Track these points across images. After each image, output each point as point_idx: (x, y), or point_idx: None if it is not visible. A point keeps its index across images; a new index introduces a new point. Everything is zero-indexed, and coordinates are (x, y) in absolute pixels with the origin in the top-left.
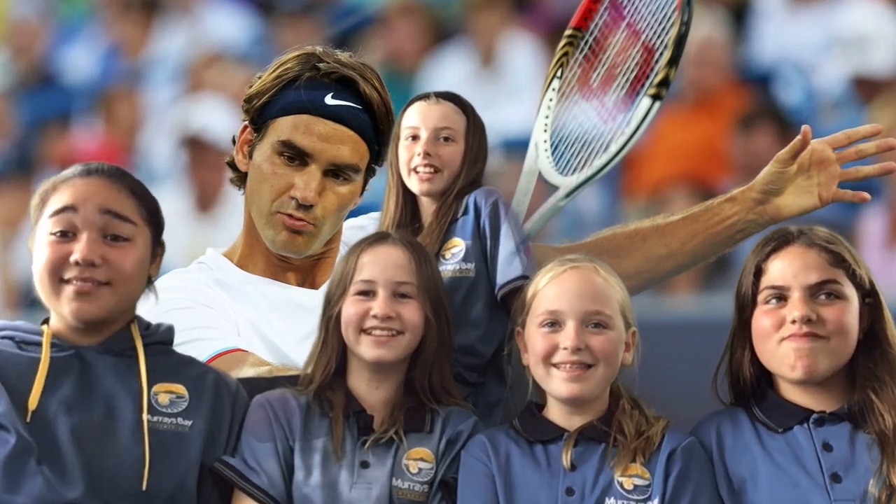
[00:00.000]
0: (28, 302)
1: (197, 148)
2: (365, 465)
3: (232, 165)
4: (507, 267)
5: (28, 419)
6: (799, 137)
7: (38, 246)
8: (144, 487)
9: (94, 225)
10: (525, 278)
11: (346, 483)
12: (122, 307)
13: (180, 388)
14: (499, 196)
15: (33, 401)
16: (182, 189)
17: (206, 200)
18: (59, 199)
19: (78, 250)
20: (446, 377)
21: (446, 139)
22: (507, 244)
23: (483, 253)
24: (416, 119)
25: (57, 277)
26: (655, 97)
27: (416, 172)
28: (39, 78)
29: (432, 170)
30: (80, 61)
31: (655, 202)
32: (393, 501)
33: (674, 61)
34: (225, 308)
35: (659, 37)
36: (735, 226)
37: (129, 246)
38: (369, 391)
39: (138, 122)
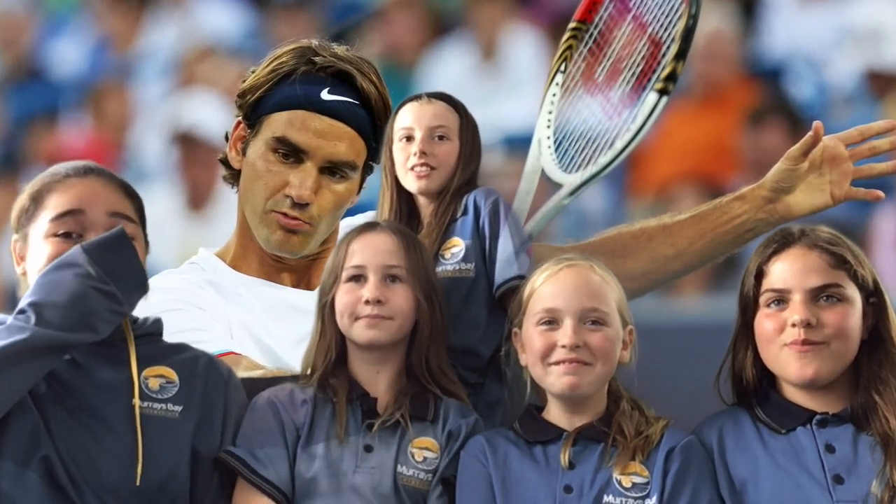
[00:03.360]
0: (15, 303)
1: (189, 144)
2: (368, 448)
3: (225, 162)
4: (505, 266)
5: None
6: (810, 134)
7: (37, 249)
8: (138, 477)
9: (101, 226)
10: (523, 278)
11: (349, 467)
12: None
13: (170, 372)
14: (499, 195)
15: None
16: (173, 187)
17: (198, 199)
18: (60, 201)
19: None
20: (443, 359)
21: (441, 137)
22: (506, 243)
23: (482, 252)
24: (409, 119)
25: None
26: (662, 92)
27: (413, 171)
28: (26, 72)
29: (429, 168)
30: (67, 55)
31: (662, 201)
32: (397, 488)
33: (681, 55)
34: (217, 310)
35: (666, 30)
36: (744, 225)
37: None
38: (371, 376)
39: (128, 118)
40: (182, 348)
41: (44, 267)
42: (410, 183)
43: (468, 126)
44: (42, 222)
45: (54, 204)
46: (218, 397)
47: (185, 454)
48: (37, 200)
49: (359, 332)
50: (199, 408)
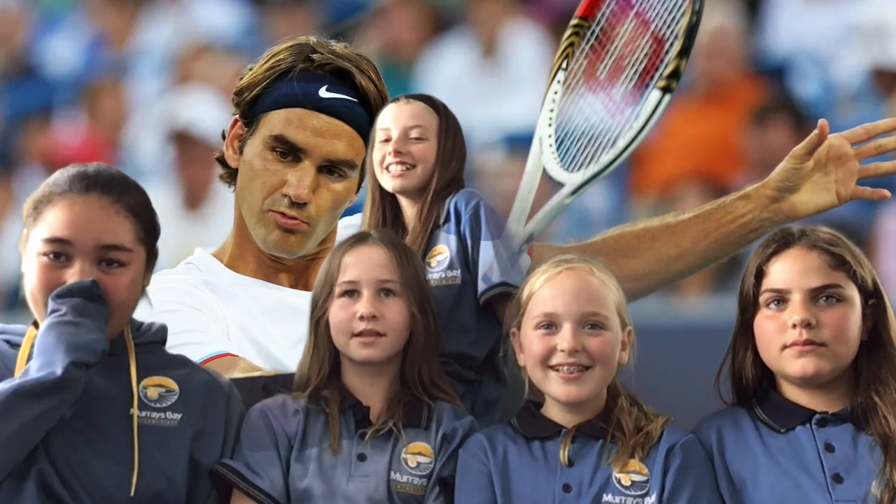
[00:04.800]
0: (10, 303)
1: (185, 143)
2: (362, 457)
3: (221, 161)
4: (488, 273)
5: None
6: (816, 132)
7: (30, 261)
8: (133, 488)
9: (89, 257)
10: (506, 285)
11: (343, 476)
12: (116, 329)
13: (170, 383)
14: (480, 199)
15: None
16: (169, 186)
17: (194, 198)
18: (54, 221)
19: (71, 278)
20: (435, 371)
21: (417, 138)
22: (487, 249)
23: (466, 258)
24: (387, 120)
25: (47, 302)
26: (665, 90)
27: (388, 170)
28: (20, 70)
29: (405, 166)
30: (62, 52)
31: (665, 200)
32: (391, 495)
33: (685, 52)
34: (214, 311)
35: (669, 26)
36: (749, 224)
37: (123, 271)
38: (365, 387)
39: (123, 116)
40: (183, 361)
41: (35, 283)
42: (387, 182)
43: (448, 126)
44: (36, 237)
45: (48, 222)
46: (219, 411)
47: (182, 463)
48: (37, 209)
49: (354, 350)
50: (199, 419)
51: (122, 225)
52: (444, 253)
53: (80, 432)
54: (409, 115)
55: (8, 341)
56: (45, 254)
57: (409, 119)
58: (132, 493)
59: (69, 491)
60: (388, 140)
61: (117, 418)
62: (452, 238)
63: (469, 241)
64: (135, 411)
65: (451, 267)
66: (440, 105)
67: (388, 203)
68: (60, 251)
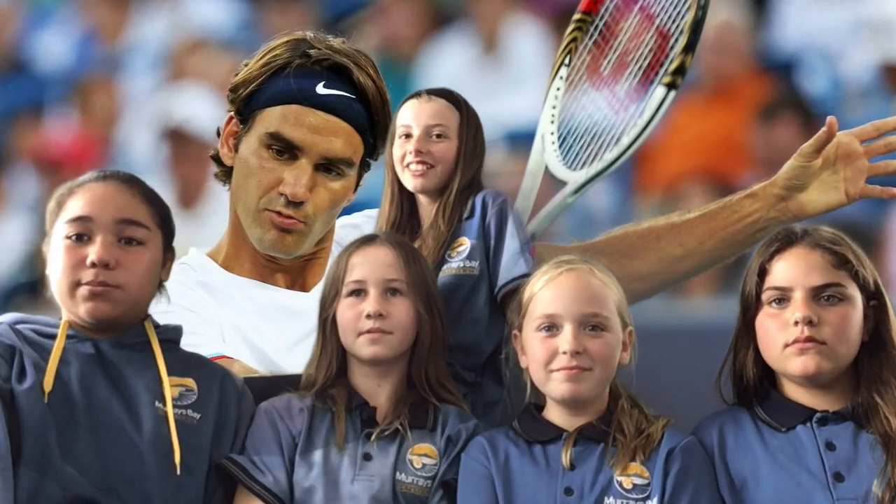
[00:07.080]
0: (6, 304)
1: (179, 140)
2: (367, 457)
3: (216, 159)
4: (508, 268)
5: (45, 400)
6: (824, 129)
7: (55, 250)
8: (178, 467)
9: (109, 232)
10: (524, 277)
11: (347, 476)
12: (134, 308)
13: (190, 382)
14: (506, 197)
15: (48, 383)
16: (163, 184)
17: (188, 197)
18: (75, 205)
19: (93, 252)
20: (441, 371)
21: (438, 136)
22: (511, 244)
23: (486, 251)
24: (408, 117)
25: (73, 281)
26: (670, 86)
27: (409, 169)
28: (10, 65)
29: (425, 166)
30: (53, 48)
31: (670, 199)
32: (396, 495)
33: (690, 47)
34: (209, 312)
35: (674, 21)
36: (756, 224)
37: (143, 250)
38: (372, 387)
39: (116, 113)
40: (199, 359)
41: (60, 271)
42: (408, 181)
43: (469, 124)
44: (60, 224)
45: (70, 208)
46: (232, 409)
47: (204, 458)
48: (60, 204)
49: (362, 348)
50: (216, 417)
51: (139, 205)
52: (465, 244)
53: (105, 425)
54: (430, 113)
55: (35, 331)
56: (68, 236)
57: (431, 117)
58: (178, 472)
59: (93, 485)
60: (408, 136)
61: (142, 413)
62: (475, 231)
63: (493, 236)
64: (168, 401)
65: (470, 257)
66: (461, 101)
67: (406, 198)
68: (82, 231)
